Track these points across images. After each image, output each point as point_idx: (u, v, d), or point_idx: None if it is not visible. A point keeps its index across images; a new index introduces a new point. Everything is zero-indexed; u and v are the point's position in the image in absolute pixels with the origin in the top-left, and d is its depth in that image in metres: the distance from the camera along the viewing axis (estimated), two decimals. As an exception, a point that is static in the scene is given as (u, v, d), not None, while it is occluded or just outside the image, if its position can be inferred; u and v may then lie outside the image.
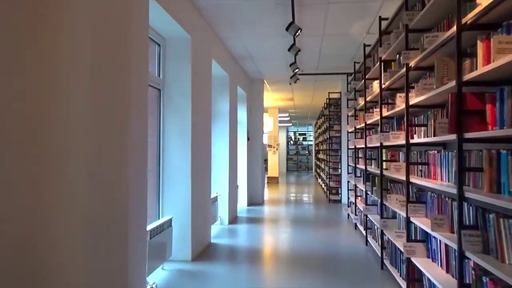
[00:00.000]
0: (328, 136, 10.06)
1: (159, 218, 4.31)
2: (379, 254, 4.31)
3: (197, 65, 4.65)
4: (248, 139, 8.75)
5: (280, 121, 18.17)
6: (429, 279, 2.74)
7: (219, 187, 6.56)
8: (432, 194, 2.88)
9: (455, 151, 2.45)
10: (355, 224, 6.15)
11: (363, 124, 5.41)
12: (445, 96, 2.62)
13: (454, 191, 2.30)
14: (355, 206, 6.14)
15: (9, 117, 2.42)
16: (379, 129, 4.32)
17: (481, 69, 1.93)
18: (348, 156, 7.22)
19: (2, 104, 2.37)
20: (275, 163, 15.36)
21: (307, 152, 24.25)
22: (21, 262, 2.49)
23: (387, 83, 3.91)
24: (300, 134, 25.02)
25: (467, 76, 2.08)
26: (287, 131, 24.20)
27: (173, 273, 4.02)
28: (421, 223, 2.89)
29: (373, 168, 4.95)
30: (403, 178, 3.32)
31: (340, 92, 9.39)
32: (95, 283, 2.62)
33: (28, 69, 2.56)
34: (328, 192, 9.86)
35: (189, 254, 4.38)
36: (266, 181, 14.49)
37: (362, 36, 5.54)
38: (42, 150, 2.61)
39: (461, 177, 2.12)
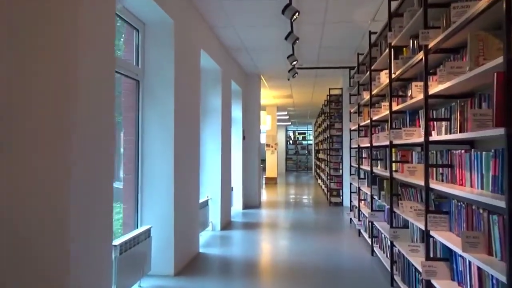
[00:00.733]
0: (328, 135, 9.53)
1: (137, 227, 3.78)
2: (388, 268, 3.79)
3: (181, 54, 4.12)
4: (243, 138, 8.22)
5: (279, 120, 17.65)
6: (456, 309, 2.22)
7: (210, 189, 6.03)
8: (459, 204, 2.35)
9: (493, 150, 1.93)
10: (359, 230, 5.62)
11: (368, 121, 4.88)
12: (479, 81, 2.10)
13: (492, 201, 1.78)
14: (359, 210, 5.62)
15: None
16: (387, 125, 3.80)
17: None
18: (350, 156, 6.69)
19: None
20: (273, 163, 14.83)
21: (306, 151, 23.74)
22: None
23: (398, 72, 3.37)
24: (299, 133, 24.51)
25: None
26: (286, 130, 23.67)
27: (151, 291, 3.50)
28: (445, 238, 2.37)
29: (379, 170, 4.43)
30: (420, 182, 2.80)
31: (342, 88, 8.86)
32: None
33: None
34: (328, 193, 9.33)
35: (171, 267, 3.85)
36: (264, 182, 13.97)
37: (367, 24, 5.00)
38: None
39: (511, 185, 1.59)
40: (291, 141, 24.25)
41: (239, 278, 3.99)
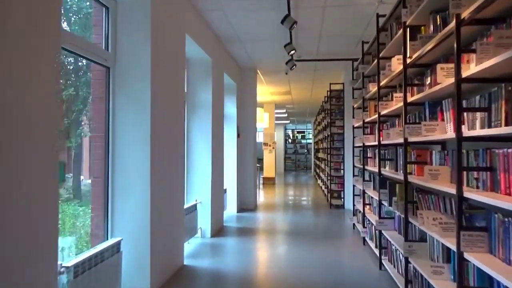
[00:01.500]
0: (329, 133, 8.97)
1: (108, 238, 3.23)
2: (401, 287, 3.23)
3: (161, 37, 3.56)
4: (238, 136, 7.66)
5: (277, 118, 17.09)
6: None
7: (200, 192, 5.46)
8: (507, 220, 1.79)
9: None
10: (363, 238, 5.07)
11: (375, 116, 4.33)
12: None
13: None
14: (363, 216, 5.06)
15: None
16: (401, 120, 3.25)
17: None
18: (353, 156, 6.13)
19: None
20: (271, 162, 14.27)
21: (305, 151, 23.19)
22: None
23: (415, 55, 2.81)
24: (298, 132, 23.96)
25: None
26: (285, 129, 23.12)
27: (121, 317, 2.94)
28: (484, 263, 1.81)
29: (389, 172, 3.87)
30: (446, 189, 2.24)
31: (343, 83, 8.30)
32: None
33: None
34: (329, 195, 8.77)
35: (147, 285, 3.29)
36: (261, 182, 13.42)
37: (374, 6, 4.44)
38: None
39: None
40: (290, 140, 23.72)
41: (227, 297, 3.44)
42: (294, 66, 6.17)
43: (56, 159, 2.01)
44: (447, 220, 2.35)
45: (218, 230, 5.92)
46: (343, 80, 8.23)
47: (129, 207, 3.28)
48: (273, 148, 14.23)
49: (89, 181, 3.40)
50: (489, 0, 1.79)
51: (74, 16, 3.54)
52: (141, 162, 3.28)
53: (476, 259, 1.89)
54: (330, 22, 5.05)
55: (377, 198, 4.16)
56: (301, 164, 23.09)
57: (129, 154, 3.28)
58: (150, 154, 3.29)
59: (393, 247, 3.70)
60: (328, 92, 9.05)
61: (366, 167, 5.07)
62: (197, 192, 5.44)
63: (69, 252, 3.14)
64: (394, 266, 3.67)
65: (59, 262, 2.17)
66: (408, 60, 2.98)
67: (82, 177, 3.60)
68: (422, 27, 2.90)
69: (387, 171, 3.99)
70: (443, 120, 2.56)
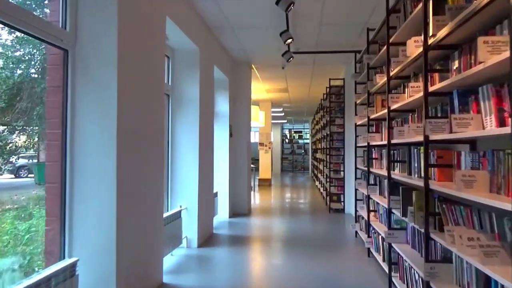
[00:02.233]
0: (328, 132, 8.42)
1: (64, 257, 2.67)
2: (418, 316, 2.69)
3: (132, 16, 3.00)
4: (230, 135, 7.10)
5: (274, 117, 16.54)
6: None
7: (185, 197, 4.89)
8: None
9: None
10: (368, 249, 4.52)
11: (383, 112, 3.79)
12: None
13: None
14: (368, 224, 4.51)
15: None
16: (422, 113, 2.70)
17: None
18: (356, 157, 5.58)
19: None
20: (267, 163, 13.71)
21: (303, 151, 22.67)
22: None
23: (442, 33, 2.26)
24: (295, 132, 23.45)
25: None
26: (282, 129, 22.57)
27: None
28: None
29: (399, 175, 3.33)
30: (489, 201, 1.70)
31: (344, 79, 7.76)
32: None
33: None
34: (328, 198, 8.22)
35: (113, 314, 2.73)
36: (257, 183, 12.87)
37: (382, -14, 3.89)
38: None
39: None
40: (287, 140, 23.19)
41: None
42: (291, 58, 5.63)
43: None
44: (488, 241, 1.81)
45: (207, 238, 5.36)
46: (344, 75, 7.69)
47: (91, 218, 2.71)
48: (269, 148, 13.68)
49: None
50: None
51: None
52: (106, 163, 2.72)
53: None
54: (332, 6, 4.49)
55: (385, 205, 3.61)
56: (298, 165, 22.57)
57: (91, 156, 2.72)
58: (117, 154, 2.72)
59: (406, 264, 3.15)
60: (328, 89, 8.50)
61: (371, 170, 4.52)
62: (183, 197, 4.87)
63: (12, 277, 2.56)
64: (408, 287, 3.13)
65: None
66: (431, 40, 2.43)
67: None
68: (448, -1, 2.35)
69: (397, 174, 3.44)
70: (478, 112, 2.01)
